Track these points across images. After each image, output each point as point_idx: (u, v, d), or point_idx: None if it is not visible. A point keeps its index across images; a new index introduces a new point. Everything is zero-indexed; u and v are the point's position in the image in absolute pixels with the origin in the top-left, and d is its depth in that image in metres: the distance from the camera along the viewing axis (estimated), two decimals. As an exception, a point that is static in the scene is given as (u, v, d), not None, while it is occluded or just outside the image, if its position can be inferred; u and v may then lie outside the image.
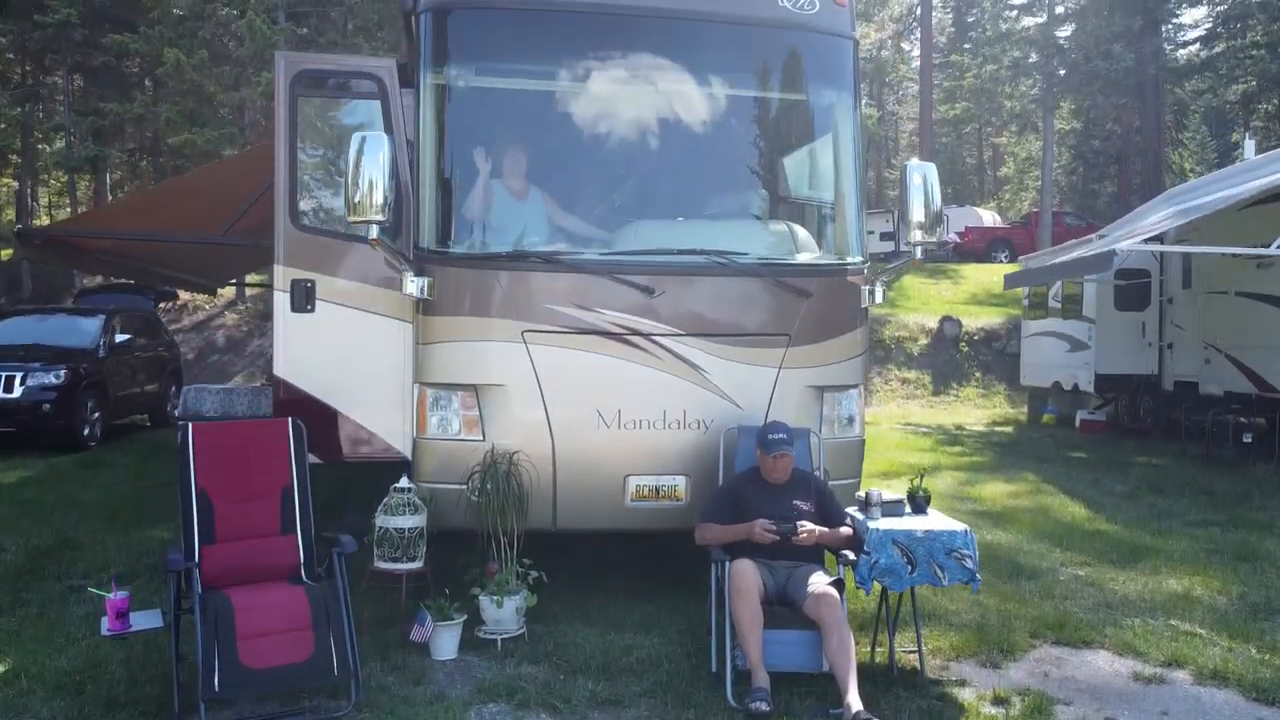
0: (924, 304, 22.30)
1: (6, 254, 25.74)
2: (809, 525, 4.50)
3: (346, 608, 4.15)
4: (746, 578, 4.27)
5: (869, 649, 4.82)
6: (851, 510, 4.79)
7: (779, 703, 4.03)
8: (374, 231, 4.62)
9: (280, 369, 5.64)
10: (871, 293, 5.53)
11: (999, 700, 4.28)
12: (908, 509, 4.75)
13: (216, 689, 3.79)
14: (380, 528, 4.89)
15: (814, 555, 4.63)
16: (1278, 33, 26.74)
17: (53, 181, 32.19)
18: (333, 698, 4.12)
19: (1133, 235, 11.79)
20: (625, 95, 5.39)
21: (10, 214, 33.26)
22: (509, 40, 5.36)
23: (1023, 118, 34.75)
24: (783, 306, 5.29)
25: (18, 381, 10.90)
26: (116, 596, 4.08)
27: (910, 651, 4.68)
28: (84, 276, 21.04)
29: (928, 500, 4.82)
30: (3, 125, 24.82)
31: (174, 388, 14.31)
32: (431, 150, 5.25)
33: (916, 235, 5.14)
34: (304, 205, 5.77)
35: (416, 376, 5.26)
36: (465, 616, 4.75)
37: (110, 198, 28.92)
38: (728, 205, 5.75)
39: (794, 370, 5.30)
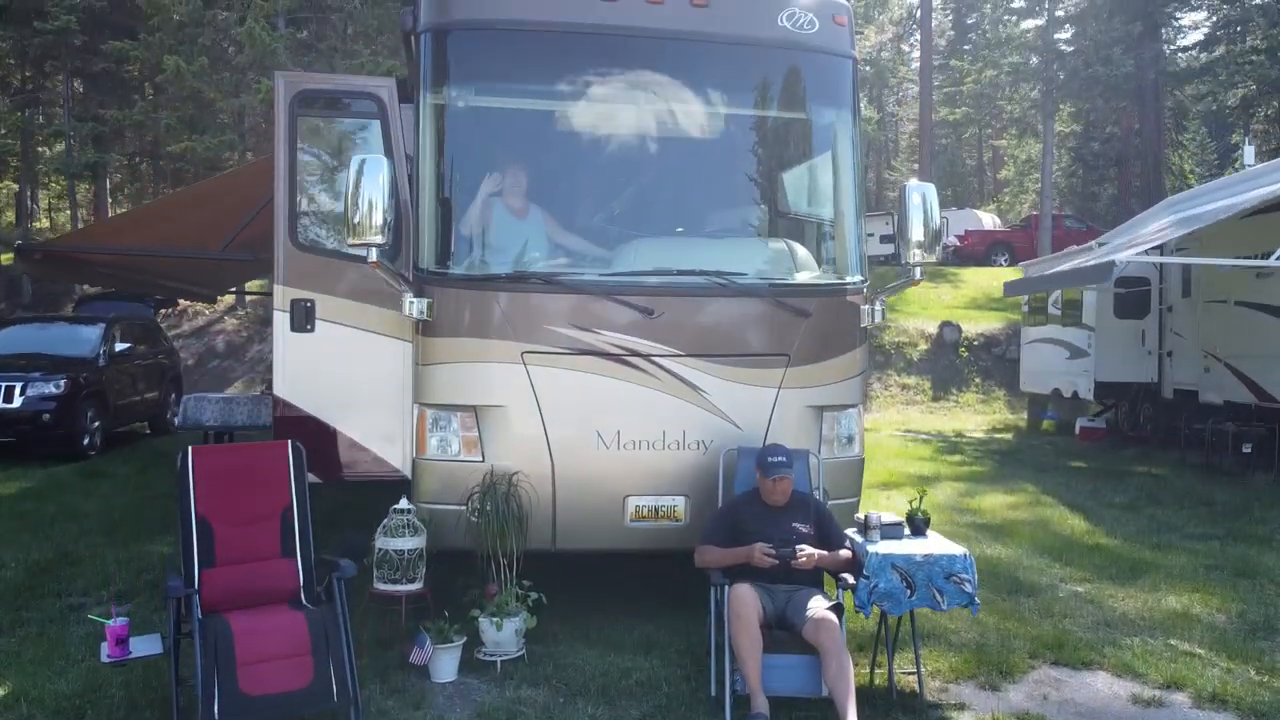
0: (924, 309, 22.30)
1: (7, 259, 25.75)
2: (808, 549, 4.50)
3: (346, 633, 4.15)
4: (746, 603, 4.27)
5: (868, 669, 4.83)
6: (850, 532, 4.79)
7: (778, 728, 4.04)
8: (373, 254, 4.64)
9: (280, 388, 5.65)
10: (871, 312, 5.53)
11: (998, 724, 4.28)
12: (907, 531, 4.75)
13: (216, 717, 3.79)
14: (380, 549, 4.89)
15: (813, 578, 4.63)
16: (1277, 36, 26.73)
17: (53, 185, 32.18)
18: (333, 724, 4.12)
19: (1133, 244, 11.80)
20: (625, 115, 5.40)
21: (10, 216, 33.26)
22: (509, 60, 5.36)
23: (1022, 122, 34.76)
24: (782, 326, 5.30)
25: (18, 391, 10.92)
26: (116, 623, 4.08)
27: (909, 673, 4.68)
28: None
29: (927, 522, 4.82)
30: (3, 130, 24.84)
31: (174, 395, 14.31)
32: (431, 170, 5.27)
33: (916, 254, 5.16)
34: (304, 225, 5.77)
35: (416, 397, 5.27)
36: (465, 638, 4.75)
37: (110, 201, 28.95)
38: (727, 224, 5.76)
39: (793, 390, 5.30)
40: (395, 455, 5.61)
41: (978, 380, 19.60)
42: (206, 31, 19.47)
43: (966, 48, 37.62)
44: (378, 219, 4.53)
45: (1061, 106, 30.91)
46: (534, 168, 5.47)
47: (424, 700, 4.43)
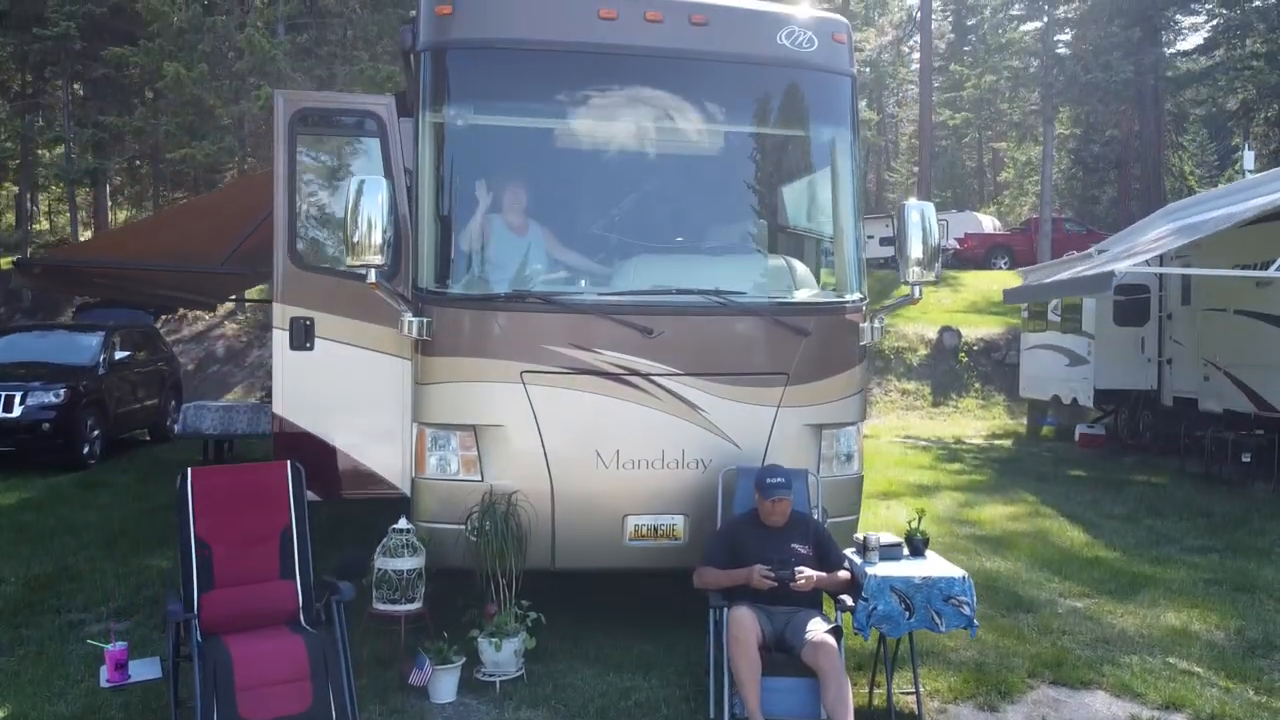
0: (923, 313, 22.27)
1: (6, 262, 25.75)
2: (807, 571, 4.51)
3: (345, 656, 4.16)
4: (745, 626, 4.27)
5: (867, 689, 4.83)
6: (849, 552, 4.80)
7: (777, 752, 4.04)
8: (372, 275, 4.64)
9: (279, 407, 5.65)
10: (870, 330, 5.53)
11: (997, 747, 4.29)
12: (906, 552, 4.75)
13: (215, 742, 3.80)
14: (379, 569, 4.89)
15: (812, 599, 4.63)
16: (1277, 41, 26.74)
17: (53, 187, 32.20)
18: (332, 747, 4.12)
19: (1132, 252, 11.81)
20: (624, 134, 5.40)
21: (10, 218, 33.26)
22: (509, 79, 5.36)
23: (1022, 126, 34.77)
24: (781, 345, 5.30)
25: (17, 401, 10.91)
26: (115, 648, 4.09)
27: (908, 693, 4.68)
28: (83, 289, 21.00)
29: (926, 542, 4.82)
30: (3, 135, 24.84)
31: (174, 402, 14.33)
32: (430, 189, 5.26)
33: (915, 272, 5.16)
34: (303, 243, 5.77)
35: (415, 416, 5.27)
36: (464, 659, 4.76)
37: (110, 204, 28.94)
38: (727, 242, 5.76)
39: (792, 409, 5.31)
40: (395, 473, 5.61)
41: (977, 385, 19.60)
42: (206, 38, 19.44)
43: (966, 49, 37.62)
44: (376, 239, 4.53)
45: (1061, 110, 30.93)
46: (533, 187, 5.47)
47: (423, 722, 4.44)
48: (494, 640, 4.80)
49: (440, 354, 5.13)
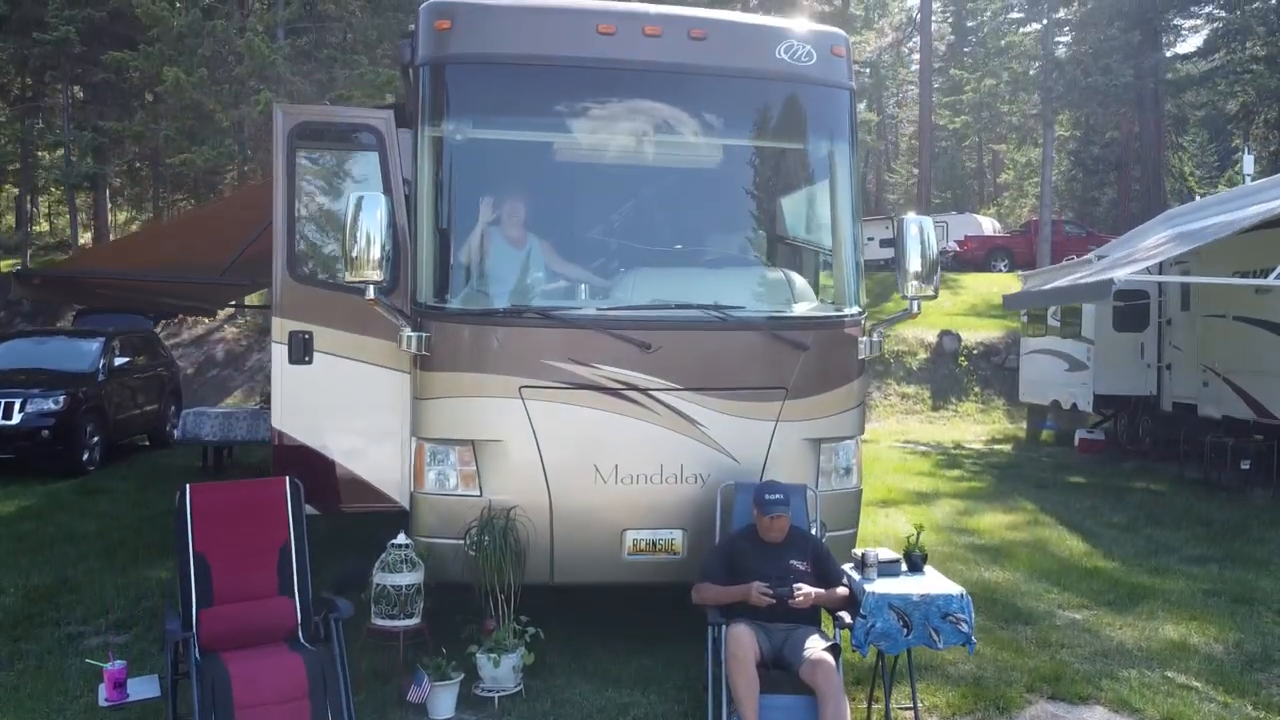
0: (923, 317, 22.08)
1: (6, 265, 25.77)
2: (805, 588, 4.51)
3: (344, 674, 4.16)
4: (743, 644, 4.27)
5: (865, 705, 4.83)
6: (848, 569, 4.80)
7: (775, 771, 4.04)
8: (371, 292, 4.65)
9: (278, 420, 5.65)
10: (869, 344, 5.53)
11: (995, 765, 4.29)
12: (904, 568, 4.75)
13: (214, 762, 3.80)
14: (377, 584, 4.89)
15: (811, 616, 4.63)
16: (1276, 44, 26.74)
17: (53, 190, 32.21)
18: (330, 766, 4.12)
19: (1131, 259, 11.81)
20: (623, 149, 5.41)
21: (10, 220, 33.29)
22: (507, 93, 5.36)
23: (1022, 129, 34.78)
24: (780, 359, 5.30)
25: (16, 408, 10.90)
26: (114, 667, 4.09)
27: (906, 709, 4.68)
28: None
29: (924, 559, 4.82)
30: (3, 139, 24.84)
31: (174, 407, 14.33)
32: (429, 204, 5.25)
33: (914, 286, 5.18)
34: (301, 257, 5.77)
35: (414, 431, 5.27)
36: (463, 675, 4.76)
37: (110, 206, 28.95)
38: (725, 256, 5.76)
39: (791, 423, 5.30)
40: (393, 487, 5.62)
41: (977, 389, 19.61)
42: (206, 42, 19.45)
43: (966, 50, 37.63)
44: (375, 255, 4.54)
45: (1061, 113, 30.94)
46: (532, 202, 5.47)
47: (422, 739, 4.44)
48: (492, 655, 4.81)
49: (439, 369, 5.13)
